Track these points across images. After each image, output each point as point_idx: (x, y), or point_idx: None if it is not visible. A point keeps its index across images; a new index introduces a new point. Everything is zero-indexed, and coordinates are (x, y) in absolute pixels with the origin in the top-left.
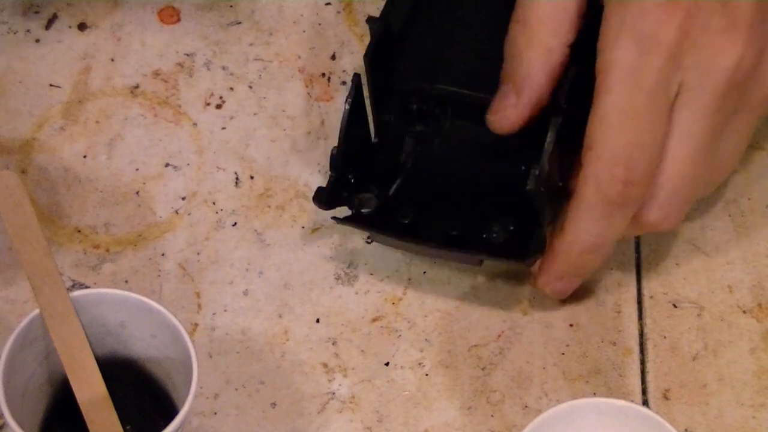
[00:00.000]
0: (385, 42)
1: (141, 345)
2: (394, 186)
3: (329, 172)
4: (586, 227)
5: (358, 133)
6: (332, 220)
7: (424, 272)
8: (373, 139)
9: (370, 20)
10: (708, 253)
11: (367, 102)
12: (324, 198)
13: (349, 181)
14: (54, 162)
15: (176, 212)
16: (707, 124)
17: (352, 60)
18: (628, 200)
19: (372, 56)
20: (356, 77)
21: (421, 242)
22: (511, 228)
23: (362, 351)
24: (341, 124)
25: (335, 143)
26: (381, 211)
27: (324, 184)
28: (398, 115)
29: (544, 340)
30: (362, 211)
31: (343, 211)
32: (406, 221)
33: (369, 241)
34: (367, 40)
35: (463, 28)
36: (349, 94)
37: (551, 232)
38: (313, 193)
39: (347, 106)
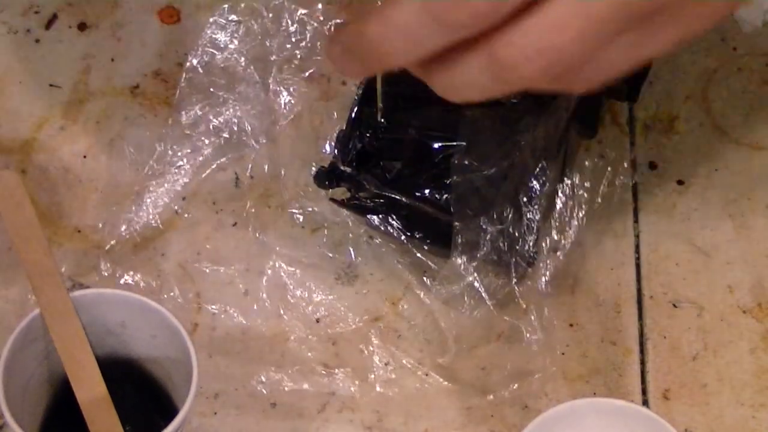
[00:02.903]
0: None
1: (141, 345)
2: (395, 172)
3: (332, 153)
4: (399, 13)
5: (366, 118)
6: (331, 218)
7: (424, 272)
8: (379, 119)
9: None
10: (708, 253)
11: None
12: (324, 178)
13: (351, 164)
14: (54, 162)
15: (176, 212)
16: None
17: None
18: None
19: None
20: None
21: (414, 238)
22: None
23: (362, 351)
24: (351, 107)
25: (335, 143)
26: (379, 197)
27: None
28: (405, 100)
29: (544, 340)
30: (360, 195)
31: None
32: (404, 213)
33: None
34: None
35: None
36: (362, 80)
37: None
38: (313, 194)
39: (359, 91)
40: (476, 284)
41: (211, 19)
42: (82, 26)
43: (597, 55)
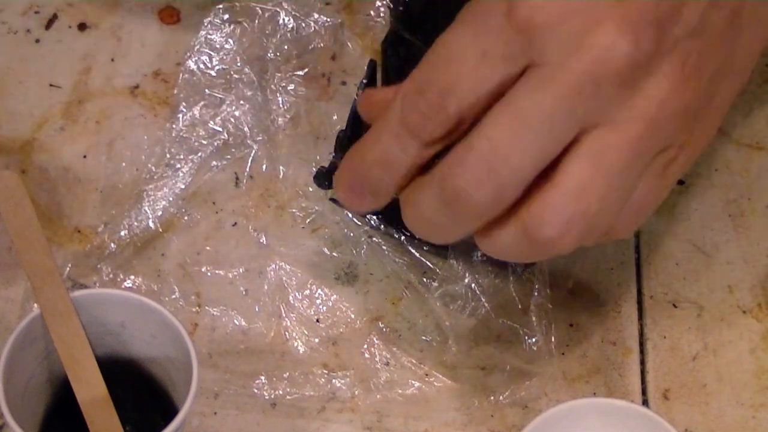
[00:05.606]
0: (403, 27)
1: (141, 345)
2: None
3: (331, 153)
4: (379, 139)
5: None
6: (331, 218)
7: (424, 272)
8: None
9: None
10: (708, 253)
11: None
12: (324, 178)
13: None
14: (54, 162)
15: (176, 213)
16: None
17: (352, 60)
18: (423, 134)
19: (389, 43)
20: (371, 63)
21: (413, 238)
22: None
23: (362, 351)
24: (351, 107)
25: (332, 142)
26: None
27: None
28: None
29: (543, 340)
30: None
31: None
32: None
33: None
34: (366, 39)
35: None
36: (363, 78)
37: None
38: (313, 194)
39: (359, 91)
40: (473, 285)
41: (206, 21)
42: (82, 26)
43: (626, 202)
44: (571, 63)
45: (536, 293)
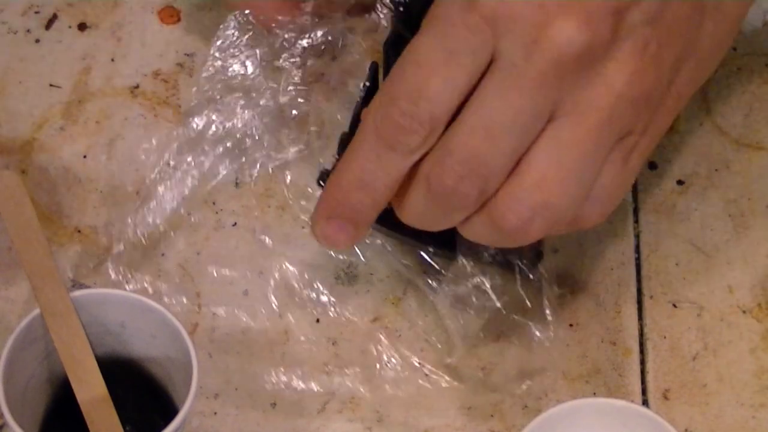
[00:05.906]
0: (405, 27)
1: (141, 345)
2: None
3: (335, 155)
4: (356, 159)
5: None
6: None
7: (425, 272)
8: None
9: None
10: (708, 253)
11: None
12: (326, 178)
13: None
14: (54, 162)
15: (176, 212)
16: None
17: (354, 61)
18: (399, 145)
19: (390, 44)
20: (373, 65)
21: (414, 238)
22: None
23: (362, 351)
24: (353, 110)
25: (335, 143)
26: None
27: None
28: None
29: (544, 340)
30: None
31: None
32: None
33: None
34: (368, 40)
35: None
36: (365, 80)
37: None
38: (314, 195)
39: (362, 93)
40: (486, 283)
41: (222, 25)
42: (82, 26)
43: (588, 191)
44: (532, 57)
45: (541, 294)
